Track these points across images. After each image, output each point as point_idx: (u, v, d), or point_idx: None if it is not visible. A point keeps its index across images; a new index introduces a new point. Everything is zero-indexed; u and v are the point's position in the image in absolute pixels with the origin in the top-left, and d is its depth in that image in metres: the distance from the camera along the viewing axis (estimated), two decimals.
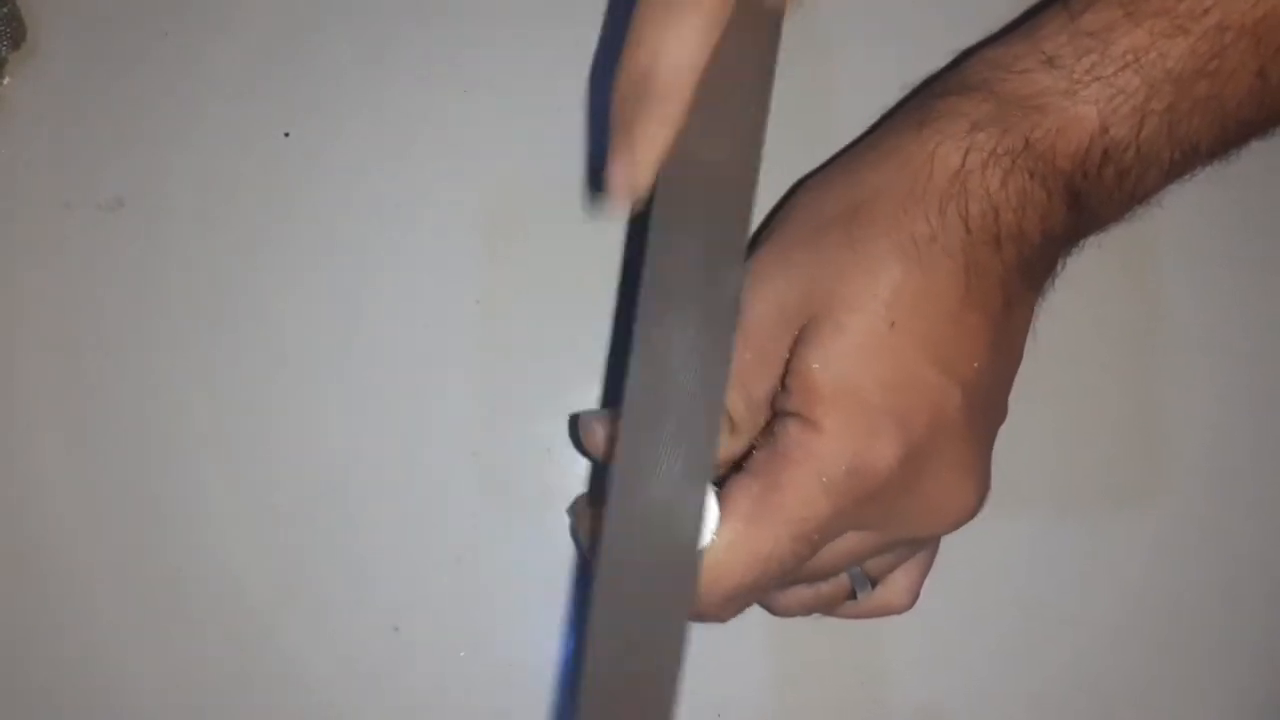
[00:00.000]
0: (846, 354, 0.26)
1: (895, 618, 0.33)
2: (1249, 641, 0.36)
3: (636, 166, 0.24)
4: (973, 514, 0.29)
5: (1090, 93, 0.27)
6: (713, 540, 0.27)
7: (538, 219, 0.36)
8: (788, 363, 0.28)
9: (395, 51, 0.36)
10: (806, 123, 0.36)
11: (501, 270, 0.36)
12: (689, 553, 0.25)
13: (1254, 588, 0.36)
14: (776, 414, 0.28)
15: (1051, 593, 0.36)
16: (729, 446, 0.29)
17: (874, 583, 0.32)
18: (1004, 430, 0.36)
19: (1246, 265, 0.37)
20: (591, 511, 0.31)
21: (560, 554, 0.35)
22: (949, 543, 0.32)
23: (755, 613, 0.35)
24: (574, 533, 0.34)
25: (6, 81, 0.36)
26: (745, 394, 0.28)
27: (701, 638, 0.35)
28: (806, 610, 0.32)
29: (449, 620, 0.35)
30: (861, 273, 0.27)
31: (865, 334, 0.26)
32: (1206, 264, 0.37)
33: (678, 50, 0.22)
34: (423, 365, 0.35)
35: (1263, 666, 0.36)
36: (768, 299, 0.28)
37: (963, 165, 0.27)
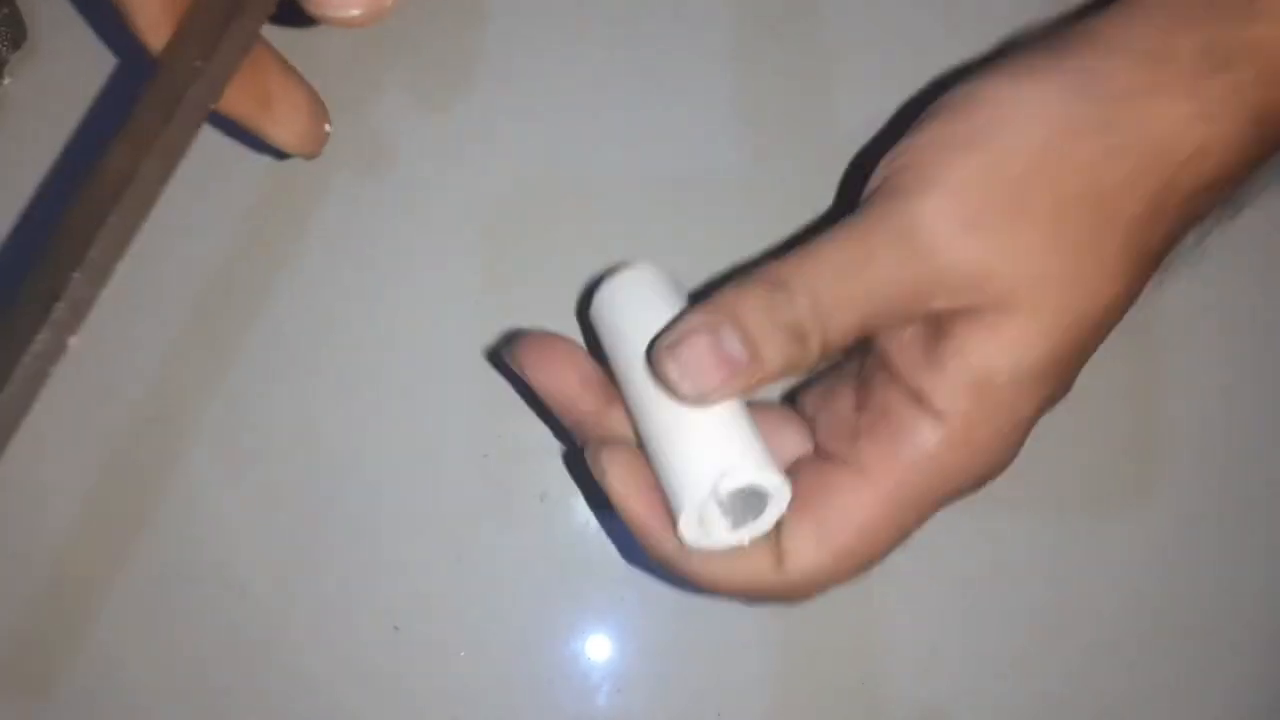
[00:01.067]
0: (1027, 373, 0.24)
1: (895, 616, 0.33)
2: (1249, 642, 0.36)
3: None
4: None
5: None
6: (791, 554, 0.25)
7: (539, 219, 0.36)
8: (943, 341, 0.24)
9: (395, 50, 0.36)
10: (806, 124, 0.36)
11: (502, 269, 0.36)
12: None
13: (1254, 588, 0.36)
14: (898, 383, 0.25)
15: (1051, 592, 0.36)
16: (796, 355, 0.24)
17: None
18: None
19: (1247, 265, 0.37)
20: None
21: (560, 554, 0.35)
22: (951, 542, 0.32)
23: (755, 612, 0.35)
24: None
25: (7, 82, 0.36)
26: (814, 300, 0.24)
27: (701, 637, 0.35)
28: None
29: (449, 620, 0.35)
30: (1089, 288, 0.24)
31: (1052, 358, 0.24)
32: (1207, 264, 0.37)
33: None
34: (423, 365, 0.35)
35: (1263, 667, 0.36)
36: (940, 249, 0.24)
37: (1214, 164, 0.24)
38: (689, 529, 0.25)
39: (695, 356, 0.24)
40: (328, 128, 0.27)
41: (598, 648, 0.35)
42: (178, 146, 0.23)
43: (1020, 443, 0.26)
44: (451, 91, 0.36)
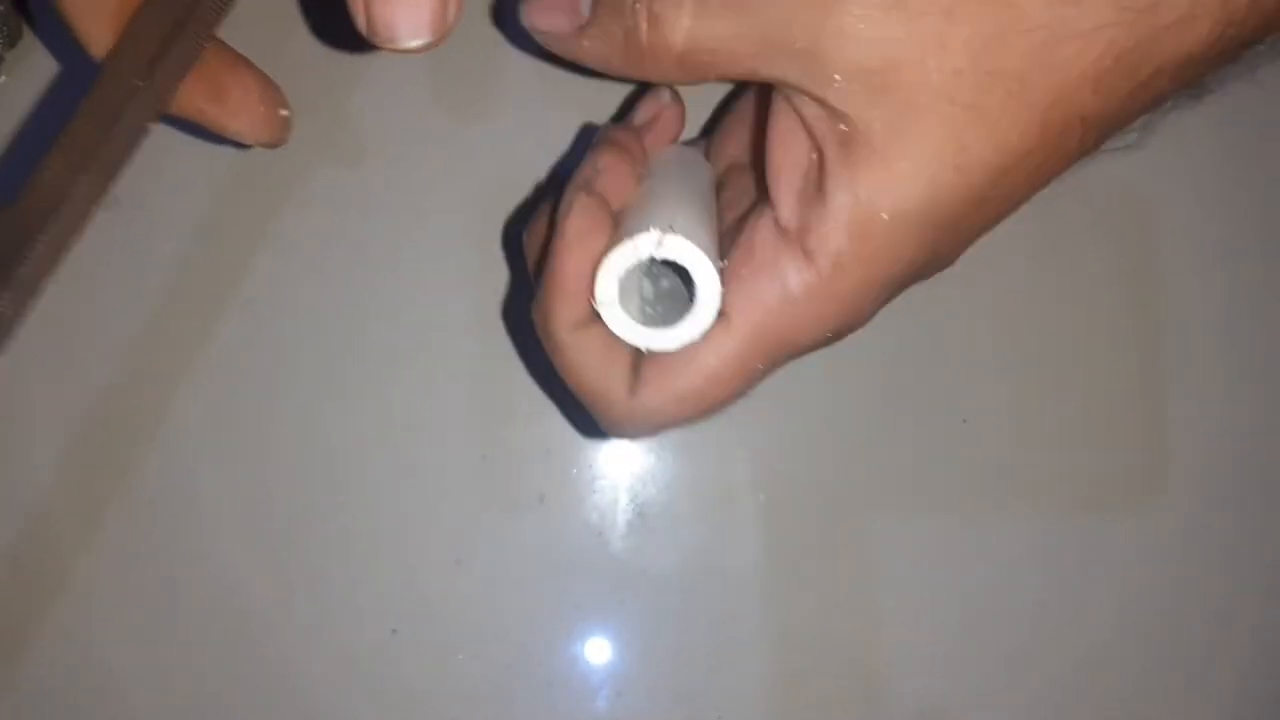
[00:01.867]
0: (912, 215, 0.22)
1: (895, 616, 0.33)
2: (1249, 643, 0.36)
3: None
4: None
5: None
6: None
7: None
8: (832, 172, 0.22)
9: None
10: None
11: (502, 270, 0.36)
12: None
13: (1254, 588, 0.36)
14: (772, 215, 0.23)
15: (1051, 593, 0.36)
16: (636, 38, 0.23)
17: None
18: (1004, 430, 0.36)
19: (1248, 267, 0.37)
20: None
21: (560, 555, 0.35)
22: (952, 542, 0.32)
23: (755, 613, 0.35)
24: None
25: (3, 80, 0.35)
26: None
27: (701, 638, 0.35)
28: None
29: (448, 622, 0.35)
30: (994, 128, 0.21)
31: (939, 201, 0.22)
32: (1208, 265, 0.37)
33: None
34: (421, 366, 0.35)
35: (1263, 668, 0.36)
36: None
37: (1200, 38, 0.21)
38: (605, 282, 0.23)
39: None
40: (284, 112, 0.26)
41: (597, 650, 0.35)
42: (114, 163, 0.23)
43: (884, 298, 0.24)
44: (452, 86, 0.36)
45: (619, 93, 0.36)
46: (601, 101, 0.36)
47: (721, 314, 0.23)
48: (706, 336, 0.23)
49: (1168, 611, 0.36)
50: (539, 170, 0.36)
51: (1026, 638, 0.36)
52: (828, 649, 0.35)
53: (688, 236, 0.22)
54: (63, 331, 0.35)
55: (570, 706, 0.35)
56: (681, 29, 0.22)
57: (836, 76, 0.21)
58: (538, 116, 0.36)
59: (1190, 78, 0.22)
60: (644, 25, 0.22)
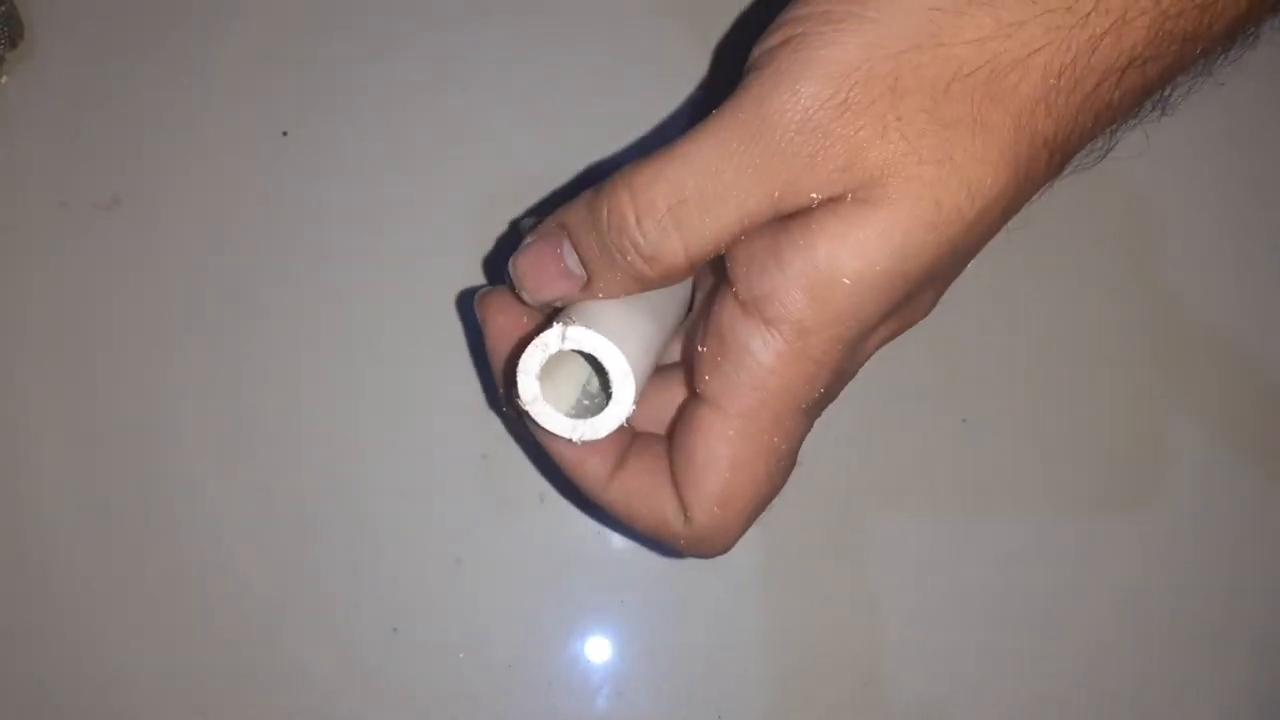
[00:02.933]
0: (879, 277, 0.22)
1: (895, 616, 0.33)
2: (1246, 641, 0.36)
3: None
4: None
5: None
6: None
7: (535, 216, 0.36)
8: (790, 238, 0.22)
9: (395, 51, 0.36)
10: None
11: (499, 269, 0.36)
12: None
13: (1251, 588, 0.36)
14: (732, 295, 0.23)
15: (1051, 592, 0.36)
16: (643, 276, 0.24)
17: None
18: (1004, 430, 0.36)
19: (1248, 266, 0.37)
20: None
21: (560, 555, 0.35)
22: (952, 542, 0.32)
23: (755, 613, 0.35)
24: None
25: (4, 80, 0.36)
26: (667, 215, 0.22)
27: (701, 638, 0.35)
28: None
29: (448, 621, 0.35)
30: (966, 175, 0.21)
31: (911, 260, 0.22)
32: (1208, 265, 0.37)
33: None
34: (421, 366, 0.35)
35: (1260, 667, 0.36)
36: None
37: (1140, 40, 0.21)
38: (525, 380, 0.24)
39: (537, 263, 0.25)
40: None
41: (598, 649, 0.35)
42: None
43: (865, 351, 0.24)
44: (451, 86, 0.36)
45: (621, 93, 0.36)
46: (604, 102, 0.36)
47: (714, 403, 0.23)
48: (708, 432, 0.23)
49: (1168, 611, 0.36)
50: (541, 170, 0.36)
51: (1026, 637, 0.36)
52: (828, 649, 0.35)
53: (589, 325, 0.23)
54: (63, 331, 0.35)
55: (570, 706, 0.35)
56: (679, 250, 0.23)
57: (814, 194, 0.22)
58: (540, 106, 0.36)
59: (1140, 83, 0.22)
60: (644, 266, 0.23)
